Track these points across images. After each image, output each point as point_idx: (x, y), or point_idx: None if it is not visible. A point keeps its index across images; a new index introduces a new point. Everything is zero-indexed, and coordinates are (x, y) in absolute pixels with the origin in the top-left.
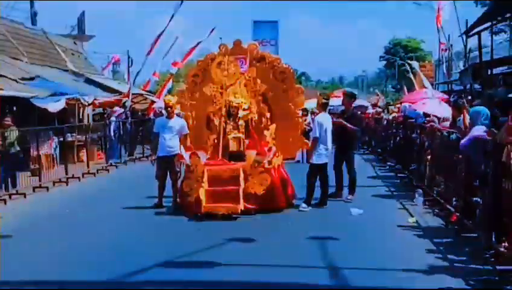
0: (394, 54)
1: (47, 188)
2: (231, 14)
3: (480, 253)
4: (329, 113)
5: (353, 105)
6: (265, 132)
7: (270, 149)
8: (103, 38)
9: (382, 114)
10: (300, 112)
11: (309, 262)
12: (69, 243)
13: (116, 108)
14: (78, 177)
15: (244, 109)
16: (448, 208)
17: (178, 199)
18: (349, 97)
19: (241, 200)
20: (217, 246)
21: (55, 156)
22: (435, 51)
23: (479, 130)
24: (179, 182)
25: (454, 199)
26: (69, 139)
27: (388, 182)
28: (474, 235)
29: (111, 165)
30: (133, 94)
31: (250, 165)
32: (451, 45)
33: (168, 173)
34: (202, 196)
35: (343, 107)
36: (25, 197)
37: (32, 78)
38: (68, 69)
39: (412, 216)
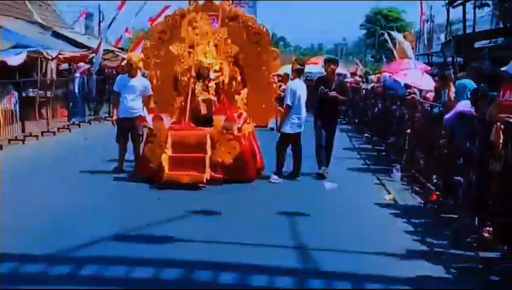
0: (375, 22)
1: (0, 146)
2: None
3: (461, 237)
4: (306, 80)
5: (336, 72)
6: (236, 97)
7: (240, 115)
8: None
9: (361, 84)
10: (276, 78)
11: (276, 241)
12: (12, 209)
13: (81, 64)
14: (37, 136)
15: (215, 71)
16: (427, 186)
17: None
18: (331, 63)
19: (207, 169)
20: (177, 219)
21: (15, 112)
22: (416, 22)
23: (465, 105)
24: (141, 146)
25: (434, 176)
26: (31, 94)
27: (364, 155)
28: (455, 216)
29: (74, 124)
30: (104, 50)
31: (218, 132)
32: (433, 15)
33: (130, 136)
34: (165, 163)
35: (320, 74)
36: None
37: None
38: (35, 21)
39: (389, 193)
